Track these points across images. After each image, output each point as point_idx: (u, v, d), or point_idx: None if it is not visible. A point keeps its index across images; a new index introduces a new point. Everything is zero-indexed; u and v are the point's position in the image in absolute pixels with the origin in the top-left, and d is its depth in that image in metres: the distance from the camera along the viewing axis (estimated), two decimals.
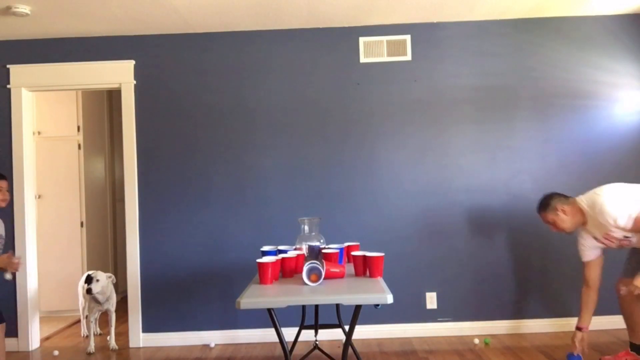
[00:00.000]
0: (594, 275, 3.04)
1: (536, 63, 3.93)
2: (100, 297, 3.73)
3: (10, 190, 3.92)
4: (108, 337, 4.00)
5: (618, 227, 2.80)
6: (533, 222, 3.90)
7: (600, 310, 3.86)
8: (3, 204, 3.07)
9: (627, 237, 2.89)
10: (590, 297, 3.06)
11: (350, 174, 3.93)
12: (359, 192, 3.94)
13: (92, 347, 3.79)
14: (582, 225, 2.99)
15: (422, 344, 3.70)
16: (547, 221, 3.02)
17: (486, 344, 3.59)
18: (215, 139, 3.96)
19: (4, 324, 3.03)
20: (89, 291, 3.58)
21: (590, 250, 3.03)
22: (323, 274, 2.51)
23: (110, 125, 5.70)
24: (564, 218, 2.95)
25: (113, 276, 3.83)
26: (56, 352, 3.77)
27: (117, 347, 3.87)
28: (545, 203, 3.01)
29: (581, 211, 2.93)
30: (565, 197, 3.00)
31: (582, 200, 2.94)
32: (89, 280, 3.64)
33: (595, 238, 2.99)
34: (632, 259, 3.10)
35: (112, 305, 3.85)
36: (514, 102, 3.93)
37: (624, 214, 2.75)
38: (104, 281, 3.69)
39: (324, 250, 2.78)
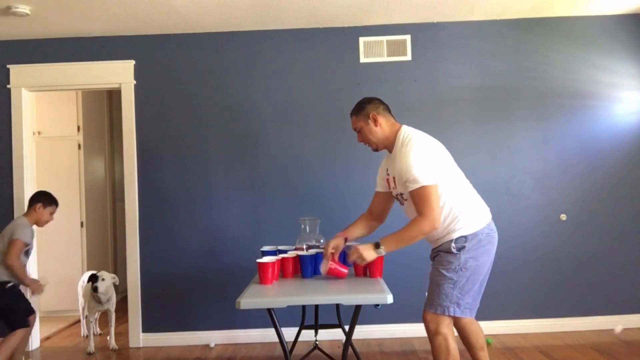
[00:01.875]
0: (376, 204, 2.64)
1: (536, 63, 3.93)
2: (102, 297, 3.72)
3: (10, 190, 3.93)
4: (108, 337, 4.00)
5: (401, 176, 2.28)
6: (533, 222, 3.90)
7: (600, 310, 3.87)
8: (42, 226, 3.58)
9: (401, 194, 2.40)
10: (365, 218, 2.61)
11: (351, 174, 3.93)
12: (359, 192, 3.93)
13: (92, 347, 3.79)
14: (389, 149, 2.48)
15: (423, 344, 3.70)
16: (355, 128, 2.53)
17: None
18: (215, 139, 3.96)
19: (28, 327, 3.19)
20: (95, 289, 3.58)
21: (381, 179, 2.61)
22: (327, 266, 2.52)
23: (110, 125, 5.69)
24: (373, 129, 2.43)
25: (117, 277, 3.81)
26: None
27: (117, 347, 3.86)
28: (360, 106, 2.50)
29: (396, 134, 2.41)
30: (388, 109, 2.49)
31: (405, 129, 2.43)
32: (94, 279, 3.63)
33: (388, 173, 2.51)
34: None
35: (112, 305, 3.84)
36: (514, 102, 3.93)
37: (418, 171, 2.20)
38: (109, 281, 3.69)
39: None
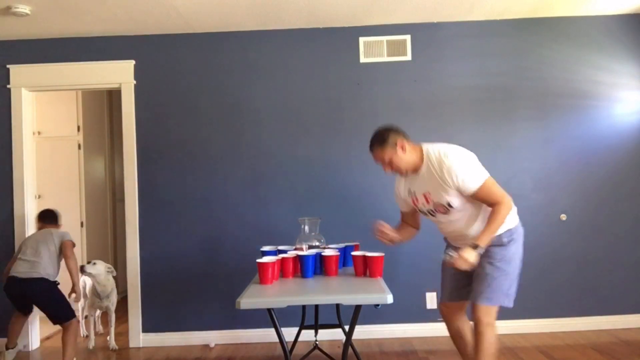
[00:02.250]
0: (405, 220, 2.66)
1: (536, 63, 3.93)
2: (99, 289, 3.76)
3: (10, 190, 3.93)
4: (108, 337, 4.00)
5: (460, 189, 2.34)
6: (532, 222, 3.89)
7: (600, 310, 3.87)
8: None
9: (450, 205, 2.41)
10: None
11: (350, 174, 3.93)
12: (359, 192, 3.94)
13: (92, 342, 3.86)
14: (414, 171, 2.48)
15: (422, 344, 3.70)
16: (382, 159, 2.47)
17: None
18: (215, 139, 3.96)
19: (74, 319, 3.38)
20: (82, 268, 3.65)
21: (402, 201, 2.63)
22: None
23: (110, 125, 5.69)
24: (403, 156, 2.43)
25: (113, 269, 3.83)
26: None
27: (117, 347, 3.87)
28: (383, 137, 2.45)
29: (421, 157, 2.44)
30: (404, 132, 2.52)
31: (430, 147, 2.47)
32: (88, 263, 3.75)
33: (412, 193, 2.53)
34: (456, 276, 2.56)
35: (112, 304, 3.86)
36: (514, 102, 3.93)
37: (474, 175, 2.32)
38: (101, 269, 3.72)
39: (323, 253, 2.78)
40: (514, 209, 2.45)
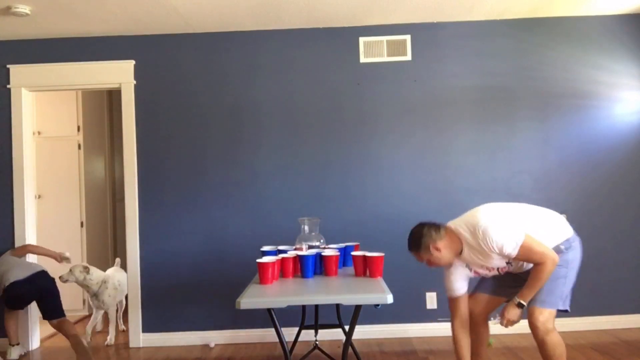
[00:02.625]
0: (465, 310, 2.54)
1: (536, 63, 3.93)
2: (85, 290, 3.93)
3: (10, 190, 3.93)
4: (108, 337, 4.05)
5: (502, 255, 2.38)
6: None
7: (600, 310, 3.87)
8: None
9: (508, 263, 2.50)
10: (466, 340, 2.54)
11: (350, 174, 3.93)
12: (359, 192, 3.94)
13: (88, 337, 3.98)
14: (457, 256, 2.51)
15: (422, 344, 3.70)
16: (421, 259, 2.53)
17: (489, 344, 3.58)
18: (215, 139, 3.96)
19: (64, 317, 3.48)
20: (60, 278, 3.78)
21: (461, 282, 2.53)
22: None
23: (110, 125, 5.69)
24: (439, 255, 2.45)
25: (88, 267, 3.84)
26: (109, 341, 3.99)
27: (112, 343, 3.94)
28: (417, 243, 2.49)
29: (458, 239, 2.47)
30: (437, 227, 2.50)
31: (459, 225, 2.48)
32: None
33: (470, 267, 2.54)
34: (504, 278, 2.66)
35: (103, 303, 3.93)
36: (514, 102, 3.93)
37: (510, 241, 2.33)
38: (77, 275, 3.80)
39: (323, 253, 2.78)
40: (566, 226, 2.54)
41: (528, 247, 2.34)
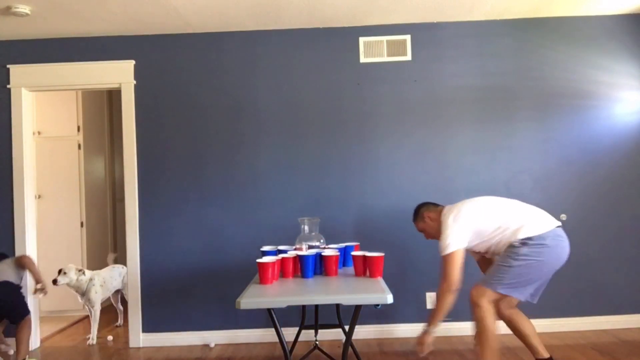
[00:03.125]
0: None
1: (536, 63, 3.93)
2: (73, 290, 3.97)
3: (10, 190, 3.93)
4: (109, 337, 4.05)
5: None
6: None
7: (600, 310, 3.87)
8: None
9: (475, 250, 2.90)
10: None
11: (350, 174, 3.93)
12: (358, 192, 3.94)
13: (92, 338, 4.05)
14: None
15: None
16: (419, 229, 3.02)
17: None
18: (215, 139, 3.96)
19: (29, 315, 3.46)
20: (54, 282, 3.85)
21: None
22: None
23: (110, 125, 5.70)
24: (431, 224, 2.93)
25: (84, 270, 3.98)
26: (110, 338, 4.09)
27: (94, 342, 3.97)
28: (416, 212, 3.03)
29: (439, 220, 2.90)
30: (434, 204, 2.99)
31: (444, 210, 2.88)
32: (59, 272, 3.92)
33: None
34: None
35: (90, 303, 3.99)
36: (514, 102, 3.93)
37: (447, 241, 2.70)
38: (72, 276, 3.90)
39: (323, 253, 2.78)
40: (539, 223, 2.71)
41: (448, 259, 2.70)
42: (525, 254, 2.65)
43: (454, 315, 3.88)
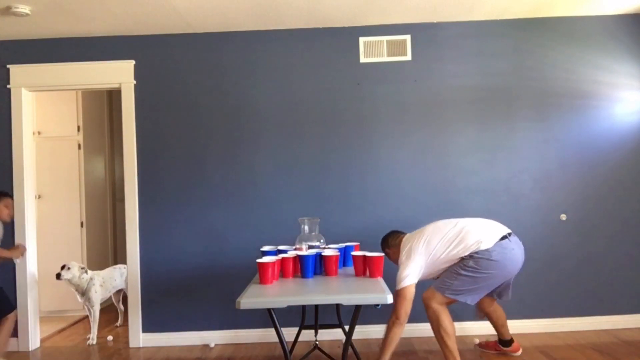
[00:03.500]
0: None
1: (536, 63, 3.93)
2: (73, 288, 3.98)
3: (10, 190, 3.93)
4: (109, 337, 4.05)
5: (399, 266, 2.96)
6: (532, 222, 3.90)
7: (600, 310, 3.87)
8: (8, 219, 3.53)
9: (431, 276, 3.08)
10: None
11: (351, 174, 3.93)
12: (359, 192, 3.94)
13: (92, 338, 4.05)
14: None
15: (422, 344, 3.70)
16: (385, 254, 3.20)
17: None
18: (215, 139, 3.96)
19: (15, 310, 3.46)
20: (57, 276, 3.86)
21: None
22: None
23: (110, 125, 5.70)
24: (394, 251, 3.13)
25: (86, 267, 4.00)
26: (110, 338, 4.09)
27: (94, 343, 3.97)
28: (383, 239, 3.25)
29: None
30: (398, 234, 3.19)
31: (409, 236, 3.07)
32: (62, 268, 3.93)
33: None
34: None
35: (89, 302, 3.99)
36: (514, 102, 3.93)
37: (403, 273, 2.87)
38: (75, 272, 3.93)
39: (323, 253, 2.78)
40: (485, 239, 2.90)
41: (400, 294, 2.84)
42: (472, 266, 2.85)
43: (453, 315, 3.88)
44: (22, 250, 3.65)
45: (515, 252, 2.94)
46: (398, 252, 3.03)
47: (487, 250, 2.85)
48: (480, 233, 2.93)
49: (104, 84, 3.99)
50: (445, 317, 2.92)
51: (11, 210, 3.58)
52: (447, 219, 3.11)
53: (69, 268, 3.90)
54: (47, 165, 4.90)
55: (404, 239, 3.07)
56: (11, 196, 3.60)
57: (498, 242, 2.90)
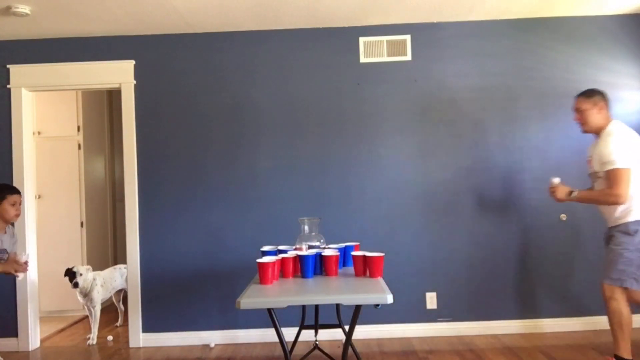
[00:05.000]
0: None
1: (536, 63, 3.93)
2: (82, 290, 3.99)
3: None
4: (109, 337, 4.06)
5: (600, 162, 2.83)
6: (532, 222, 3.90)
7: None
8: (16, 219, 3.24)
9: (595, 173, 2.95)
10: None
11: (350, 174, 3.93)
12: (358, 192, 3.94)
13: (92, 338, 4.05)
14: (595, 134, 3.00)
15: (422, 344, 3.70)
16: (578, 108, 3.00)
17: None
18: (215, 139, 3.96)
19: None
20: (75, 285, 3.88)
21: (587, 162, 3.07)
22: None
23: (110, 125, 5.70)
24: (593, 113, 2.95)
25: (90, 268, 4.03)
26: (110, 338, 4.10)
27: (94, 343, 3.97)
28: (590, 92, 2.99)
29: (607, 125, 2.94)
30: (609, 101, 3.01)
31: (614, 122, 2.93)
32: (72, 274, 3.91)
33: (588, 154, 3.08)
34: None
35: (91, 302, 3.99)
36: (514, 102, 3.93)
37: (610, 158, 2.75)
38: (89, 277, 3.97)
39: (323, 253, 2.78)
40: None
41: (615, 175, 2.72)
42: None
43: (453, 316, 3.89)
44: (16, 266, 3.04)
45: None
46: (603, 117, 2.92)
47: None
48: None
49: (104, 84, 3.99)
50: (627, 308, 2.81)
51: (19, 209, 3.18)
52: None
53: (81, 274, 3.89)
54: (47, 165, 4.90)
55: (615, 122, 2.92)
56: (18, 192, 3.21)
57: None
